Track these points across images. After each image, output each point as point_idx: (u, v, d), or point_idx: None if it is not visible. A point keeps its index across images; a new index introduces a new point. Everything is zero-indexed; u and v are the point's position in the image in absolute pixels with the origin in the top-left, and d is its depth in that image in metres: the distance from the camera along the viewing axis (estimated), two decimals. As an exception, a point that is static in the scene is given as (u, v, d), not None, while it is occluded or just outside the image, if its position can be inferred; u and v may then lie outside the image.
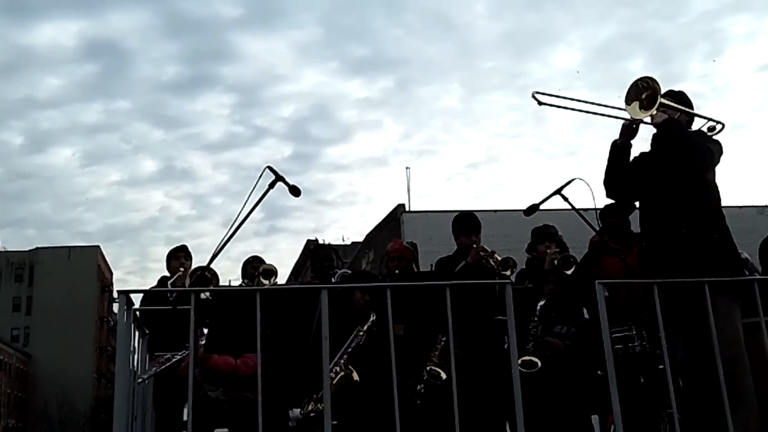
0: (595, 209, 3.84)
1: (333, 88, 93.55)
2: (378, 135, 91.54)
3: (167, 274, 5.66)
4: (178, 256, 5.57)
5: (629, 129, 3.92)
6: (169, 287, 5.26)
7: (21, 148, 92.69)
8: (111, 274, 71.08)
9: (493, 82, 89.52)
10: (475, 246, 5.03)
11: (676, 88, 4.14)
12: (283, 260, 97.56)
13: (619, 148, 3.96)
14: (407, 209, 29.75)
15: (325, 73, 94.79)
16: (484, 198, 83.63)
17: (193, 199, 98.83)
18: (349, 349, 4.28)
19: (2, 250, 66.11)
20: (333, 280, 5.26)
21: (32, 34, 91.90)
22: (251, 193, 3.51)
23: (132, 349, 3.29)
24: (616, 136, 3.98)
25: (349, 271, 5.56)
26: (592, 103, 3.99)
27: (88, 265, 63.88)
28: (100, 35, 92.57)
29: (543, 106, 3.86)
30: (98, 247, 66.96)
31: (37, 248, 65.01)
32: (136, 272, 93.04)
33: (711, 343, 3.42)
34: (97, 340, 64.72)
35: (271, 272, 4.77)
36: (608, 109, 3.98)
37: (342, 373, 4.18)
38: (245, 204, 3.50)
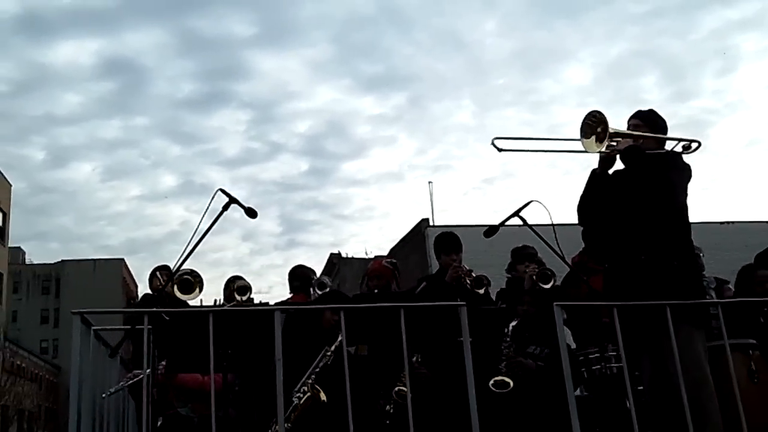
0: (552, 226, 3.86)
1: (346, 105, 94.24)
2: (393, 150, 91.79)
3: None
4: (160, 274, 5.60)
5: (607, 160, 3.92)
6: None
7: (43, 163, 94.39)
8: (136, 286, 71.72)
9: (505, 99, 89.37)
10: (454, 265, 5.08)
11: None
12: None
13: (598, 176, 3.97)
14: (431, 224, 29.64)
15: (339, 90, 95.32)
16: (501, 212, 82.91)
17: (213, 213, 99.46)
18: (317, 369, 4.31)
19: (29, 262, 67.14)
20: (312, 288, 5.43)
21: (51, 52, 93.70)
22: (203, 216, 3.56)
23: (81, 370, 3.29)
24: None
25: (327, 277, 5.64)
26: (553, 139, 4.07)
27: (114, 277, 64.52)
28: (117, 54, 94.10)
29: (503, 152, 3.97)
30: (123, 259, 67.76)
31: (62, 261, 65.87)
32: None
33: (673, 366, 3.40)
34: (126, 353, 65.31)
35: (246, 288, 4.86)
36: (568, 143, 4.01)
37: (309, 393, 4.21)
38: (198, 227, 3.55)
